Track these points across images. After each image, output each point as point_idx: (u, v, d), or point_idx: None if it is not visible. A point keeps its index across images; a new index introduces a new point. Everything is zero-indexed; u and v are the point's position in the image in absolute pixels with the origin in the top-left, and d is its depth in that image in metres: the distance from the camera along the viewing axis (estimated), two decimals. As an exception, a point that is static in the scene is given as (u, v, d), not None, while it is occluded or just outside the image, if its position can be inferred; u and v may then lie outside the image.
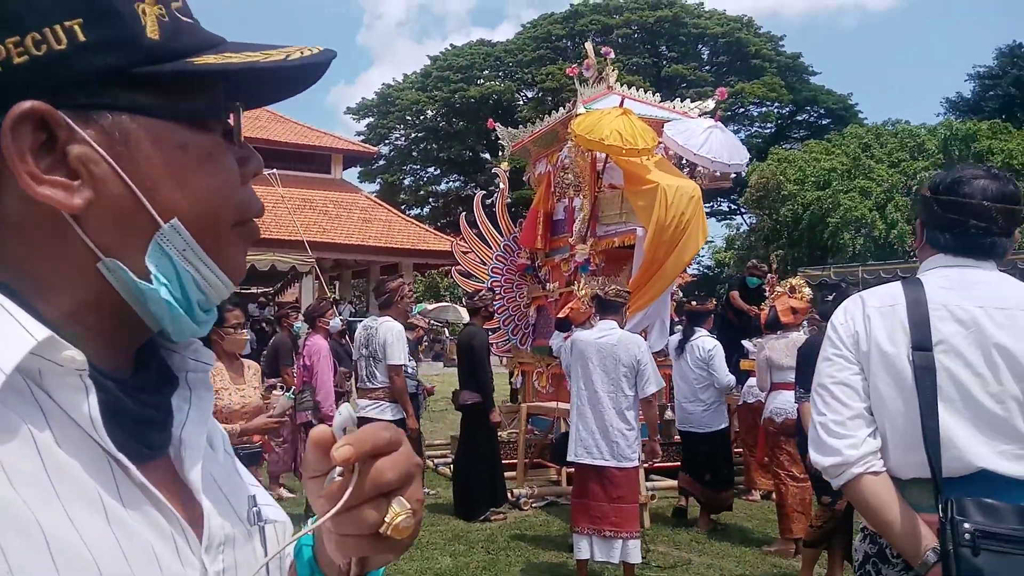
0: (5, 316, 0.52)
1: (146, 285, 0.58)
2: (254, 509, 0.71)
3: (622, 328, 4.86)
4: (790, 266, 23.67)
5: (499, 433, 7.19)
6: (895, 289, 1.82)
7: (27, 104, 0.52)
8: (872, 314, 1.79)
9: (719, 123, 8.28)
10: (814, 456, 1.82)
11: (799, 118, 40.16)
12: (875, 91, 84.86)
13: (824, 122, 38.82)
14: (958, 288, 1.74)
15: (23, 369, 0.51)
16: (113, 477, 0.55)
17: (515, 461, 7.59)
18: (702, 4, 39.16)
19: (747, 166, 9.08)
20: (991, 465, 1.63)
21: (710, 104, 9.00)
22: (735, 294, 9.23)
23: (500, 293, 9.24)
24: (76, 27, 0.53)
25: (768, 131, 39.46)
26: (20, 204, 0.54)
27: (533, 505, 7.00)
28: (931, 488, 1.66)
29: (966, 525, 1.56)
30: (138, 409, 0.59)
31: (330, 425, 0.56)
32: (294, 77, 0.65)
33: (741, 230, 35.14)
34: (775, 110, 38.71)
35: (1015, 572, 1.52)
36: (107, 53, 0.54)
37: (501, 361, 9.63)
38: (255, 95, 0.67)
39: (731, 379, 6.41)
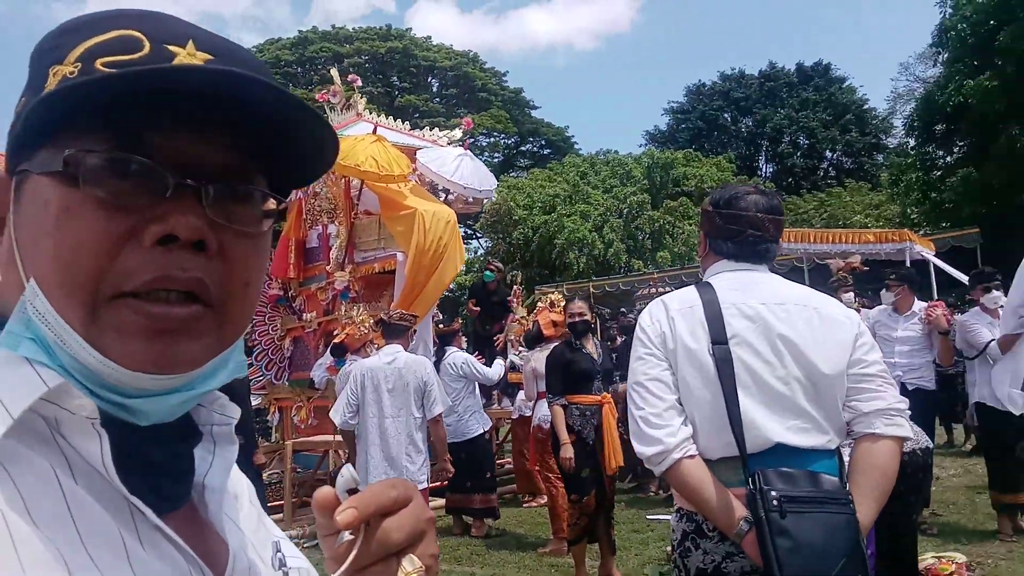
0: (25, 367, 0.54)
1: (2, 340, 0.56)
2: (278, 554, 0.71)
3: (407, 351, 4.88)
4: (524, 285, 25.04)
5: (263, 475, 6.81)
6: (691, 292, 2.05)
7: None
8: (675, 315, 2.00)
9: (468, 151, 8.63)
10: (637, 447, 1.98)
11: (524, 148, 42.84)
12: (588, 124, 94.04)
13: (546, 152, 41.80)
14: (743, 289, 2.01)
15: (44, 415, 0.54)
16: (133, 520, 0.55)
17: (281, 502, 7.22)
18: (430, 38, 40.43)
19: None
20: (784, 439, 1.90)
21: (457, 133, 9.35)
22: (472, 303, 9.87)
23: (251, 327, 8.77)
24: (22, 101, 0.59)
25: (497, 160, 41.66)
26: None
27: (305, 545, 6.70)
28: (737, 465, 1.89)
29: (772, 493, 1.80)
30: (154, 457, 0.59)
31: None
32: (198, 93, 0.55)
33: (478, 253, 36.69)
34: (502, 140, 41.00)
35: (813, 525, 1.79)
36: (21, 120, 0.56)
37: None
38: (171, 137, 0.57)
39: (497, 370, 6.83)
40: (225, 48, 0.61)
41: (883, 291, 6.38)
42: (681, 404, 1.97)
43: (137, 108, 0.55)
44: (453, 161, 8.30)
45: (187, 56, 0.58)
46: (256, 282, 0.62)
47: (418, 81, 39.52)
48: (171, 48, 0.58)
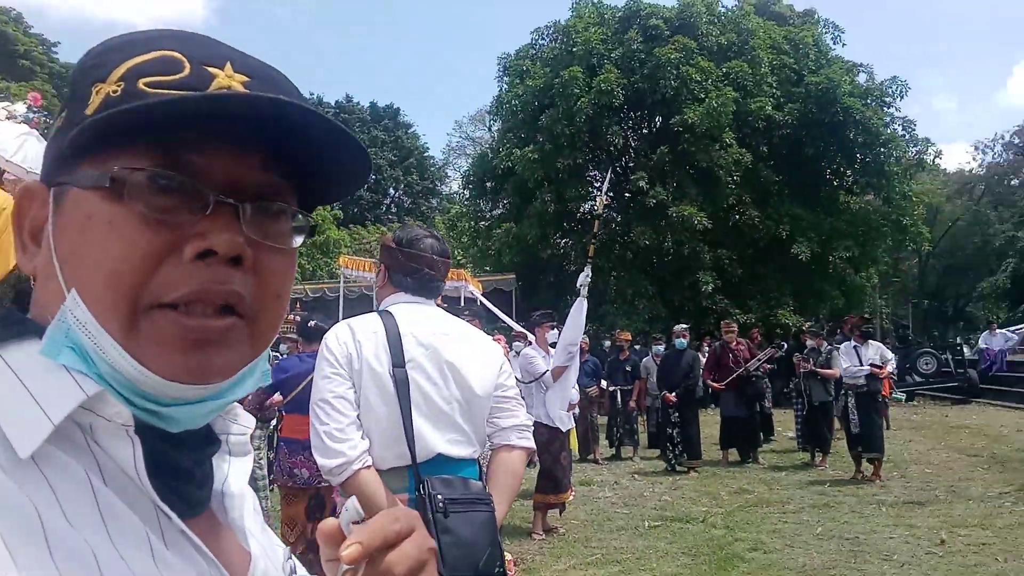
0: (64, 374, 0.56)
1: (44, 348, 0.57)
2: (289, 561, 0.74)
3: None
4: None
5: None
6: (374, 319, 2.31)
7: (27, 183, 0.62)
8: (361, 339, 2.24)
9: (35, 131, 7.49)
10: (320, 460, 2.15)
11: (71, 131, 37.73)
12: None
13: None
14: (418, 319, 2.33)
15: (79, 422, 0.56)
16: (159, 523, 0.58)
17: None
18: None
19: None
20: (444, 450, 2.24)
21: (20, 108, 8.02)
22: None
23: None
24: (62, 117, 0.62)
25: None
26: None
27: None
28: (403, 473, 2.19)
29: (439, 497, 2.12)
30: (181, 463, 0.62)
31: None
32: (239, 122, 0.58)
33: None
34: (44, 117, 35.49)
35: (467, 523, 2.15)
36: (63, 135, 0.60)
37: None
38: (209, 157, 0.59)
39: None
40: (260, 70, 0.63)
41: (457, 324, 7.32)
42: (359, 420, 2.19)
43: (179, 128, 0.57)
44: (15, 140, 7.12)
45: (225, 78, 0.60)
46: (286, 295, 0.65)
47: (-64, 28, 32.26)
48: (210, 69, 0.60)
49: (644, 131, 22.55)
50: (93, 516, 0.54)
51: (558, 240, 21.93)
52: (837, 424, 10.80)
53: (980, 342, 20.22)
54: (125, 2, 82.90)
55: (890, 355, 10.14)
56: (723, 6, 22.45)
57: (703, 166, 19.25)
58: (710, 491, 9.09)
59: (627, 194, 22.21)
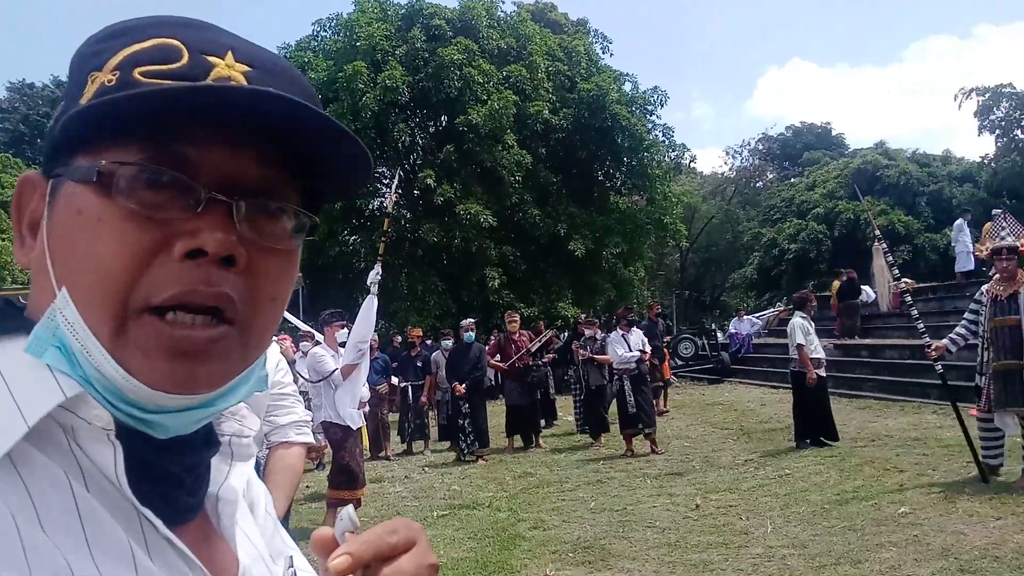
0: (46, 374, 0.54)
1: (28, 346, 0.55)
2: (290, 569, 0.72)
3: None
4: None
5: None
6: None
7: (24, 174, 0.61)
8: None
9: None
10: None
11: None
12: None
13: None
14: None
15: (62, 423, 0.54)
16: (142, 530, 0.56)
17: None
18: None
19: None
20: None
21: None
22: None
23: None
24: (60, 106, 0.60)
25: None
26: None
27: None
28: None
29: None
30: (170, 468, 0.59)
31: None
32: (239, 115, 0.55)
33: None
34: None
35: None
36: (56, 125, 0.58)
37: None
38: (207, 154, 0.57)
39: None
40: (265, 60, 0.60)
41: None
42: None
43: (172, 120, 0.54)
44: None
45: (225, 67, 0.57)
46: (283, 297, 0.61)
47: None
48: (209, 58, 0.57)
49: (431, 129, 22.83)
50: (72, 522, 0.52)
51: (347, 238, 21.64)
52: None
53: (730, 327, 22.61)
54: None
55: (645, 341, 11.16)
56: (502, 11, 23.27)
57: (487, 166, 19.90)
58: (496, 477, 9.50)
59: (415, 192, 22.39)
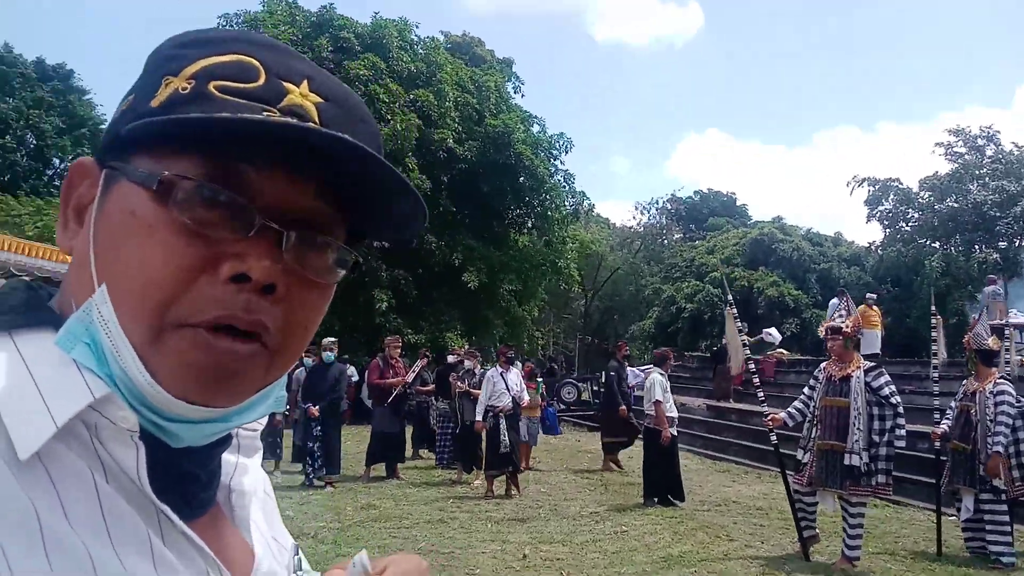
0: (74, 371, 0.55)
1: (59, 339, 0.56)
2: (296, 557, 0.75)
3: None
4: None
5: None
6: None
7: (80, 160, 0.62)
8: None
9: None
10: None
11: None
12: None
13: None
14: None
15: (86, 420, 0.55)
16: (160, 525, 0.57)
17: None
18: None
19: None
20: None
21: None
22: None
23: None
24: (130, 99, 0.60)
25: None
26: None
27: None
28: None
29: None
30: (186, 466, 0.61)
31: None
32: (317, 155, 0.56)
33: None
34: None
35: None
36: (123, 121, 0.58)
37: None
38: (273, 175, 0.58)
39: None
40: (339, 94, 0.61)
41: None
42: None
43: (240, 142, 0.55)
44: None
45: (299, 96, 0.59)
46: (314, 326, 0.62)
47: None
48: (285, 84, 0.58)
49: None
50: (95, 516, 0.54)
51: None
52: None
53: (614, 377, 22.84)
54: None
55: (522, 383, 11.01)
56: (415, 35, 23.09)
57: (386, 187, 19.45)
58: (338, 506, 9.10)
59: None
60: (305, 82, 0.59)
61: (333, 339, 10.97)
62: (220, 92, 0.57)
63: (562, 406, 20.76)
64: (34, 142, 38.16)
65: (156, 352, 0.55)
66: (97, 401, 0.54)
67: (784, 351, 19.55)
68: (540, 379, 16.08)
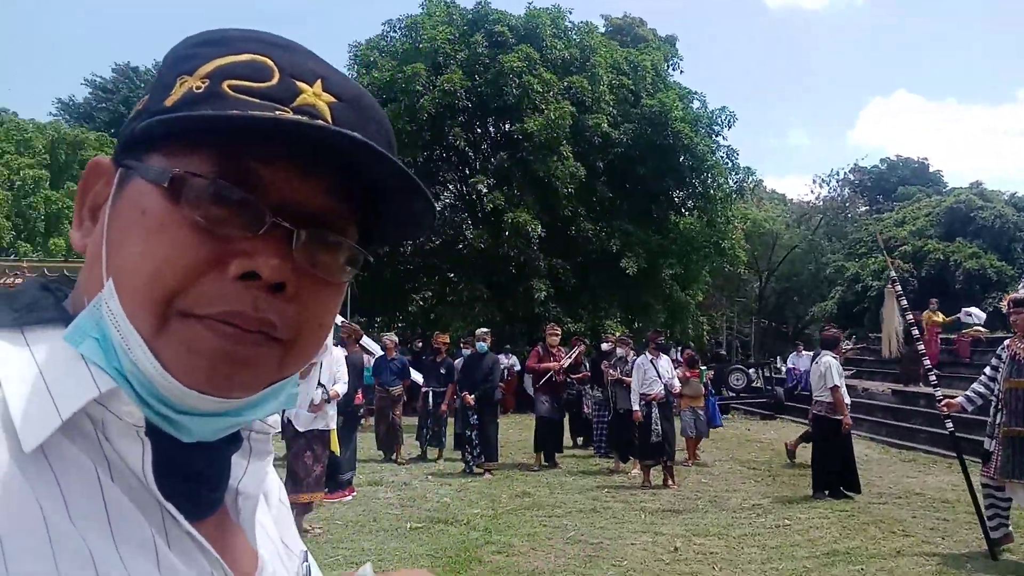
0: (81, 366, 0.55)
1: (68, 334, 0.56)
2: (305, 564, 0.74)
3: None
4: None
5: None
6: None
7: (96, 159, 0.62)
8: None
9: None
10: None
11: None
12: (-10, 71, 75.83)
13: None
14: None
15: (91, 415, 0.55)
16: (164, 524, 0.57)
17: None
18: None
19: None
20: None
21: None
22: None
23: None
24: (145, 99, 0.61)
25: None
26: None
27: None
28: None
29: None
30: (194, 464, 0.61)
31: None
32: (323, 152, 0.57)
33: None
34: None
35: None
36: (139, 120, 0.59)
37: None
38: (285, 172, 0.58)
39: None
40: (352, 94, 0.62)
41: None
42: None
43: (251, 139, 0.56)
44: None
45: (312, 95, 0.59)
46: (329, 324, 0.63)
47: None
48: (298, 83, 0.59)
49: (487, 136, 22.72)
50: (97, 512, 0.53)
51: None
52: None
53: (788, 361, 21.61)
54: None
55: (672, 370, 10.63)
56: (569, 21, 22.85)
57: (540, 176, 19.51)
58: (493, 494, 9.22)
59: (465, 196, 22.30)
60: (319, 81, 0.60)
61: (486, 329, 11.14)
62: (233, 91, 0.57)
63: (731, 393, 19.92)
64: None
65: (163, 341, 0.55)
66: (103, 395, 0.54)
67: (982, 328, 17.55)
68: (704, 367, 15.43)
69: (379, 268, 21.07)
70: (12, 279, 12.46)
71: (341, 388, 7.10)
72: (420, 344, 19.09)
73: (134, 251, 0.56)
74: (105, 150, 28.55)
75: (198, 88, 0.58)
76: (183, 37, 0.63)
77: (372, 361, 12.80)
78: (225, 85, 0.57)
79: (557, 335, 12.01)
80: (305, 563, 0.74)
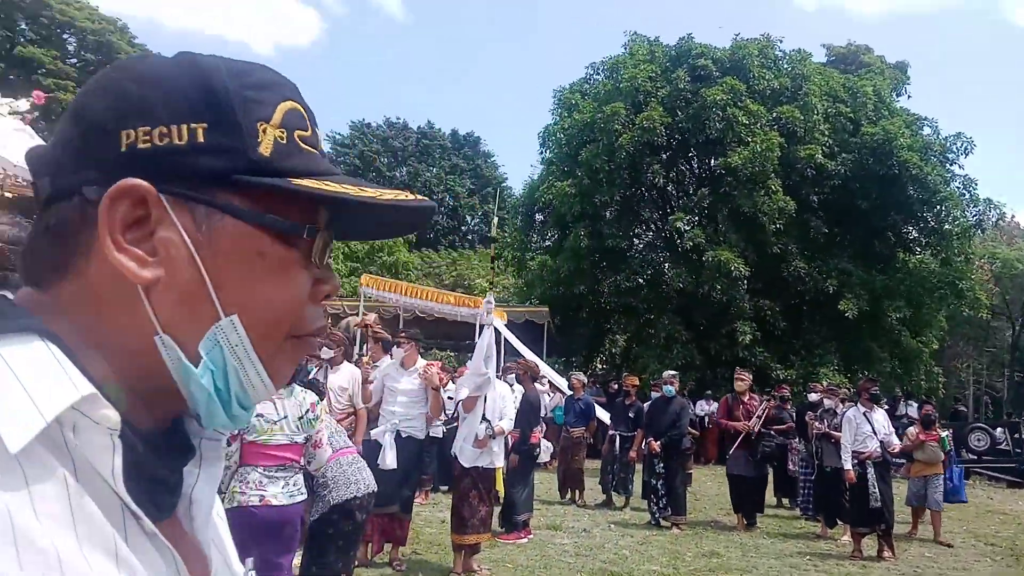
0: (57, 368, 0.56)
1: (192, 368, 0.61)
2: (250, 572, 0.84)
3: None
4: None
5: None
6: None
7: (132, 181, 0.59)
8: None
9: (30, 127, 7.85)
10: None
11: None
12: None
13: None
14: None
15: (61, 419, 0.55)
16: (124, 525, 0.58)
17: None
18: (74, -9, 35.79)
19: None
20: None
21: (23, 104, 8.45)
22: None
23: None
24: (200, 130, 0.61)
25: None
26: (104, 267, 0.59)
27: None
28: None
29: None
30: (157, 469, 0.63)
31: None
32: (389, 218, 0.71)
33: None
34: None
35: None
36: (219, 156, 0.61)
37: None
38: (348, 227, 0.71)
39: None
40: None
41: (395, 347, 7.13)
42: None
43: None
44: (5, 135, 7.49)
45: (273, 129, 0.65)
46: None
47: (49, 34, 34.65)
48: (318, 131, 0.68)
49: (686, 171, 21.97)
50: (64, 515, 0.54)
51: (598, 275, 21.42)
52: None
53: (1046, 422, 18.48)
54: (236, 21, 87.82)
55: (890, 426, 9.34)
56: (780, 50, 21.73)
57: (745, 211, 18.54)
58: (678, 550, 8.57)
59: (665, 234, 21.61)
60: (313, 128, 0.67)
61: (673, 372, 10.54)
62: (302, 143, 0.64)
63: (971, 456, 17.34)
64: (451, 203, 44.22)
65: (277, 361, 0.65)
66: (83, 399, 0.55)
67: None
68: (943, 425, 13.44)
69: (576, 308, 21.00)
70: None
71: (507, 424, 6.94)
72: (616, 386, 18.67)
73: (261, 290, 0.63)
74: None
75: (281, 139, 0.63)
76: (218, 63, 0.64)
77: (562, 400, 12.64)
78: (297, 136, 0.64)
79: (745, 381, 10.99)
80: (250, 571, 0.70)
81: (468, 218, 45.78)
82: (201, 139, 0.60)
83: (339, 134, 44.83)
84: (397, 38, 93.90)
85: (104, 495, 0.57)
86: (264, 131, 0.62)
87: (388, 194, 0.65)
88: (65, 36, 35.33)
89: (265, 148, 0.62)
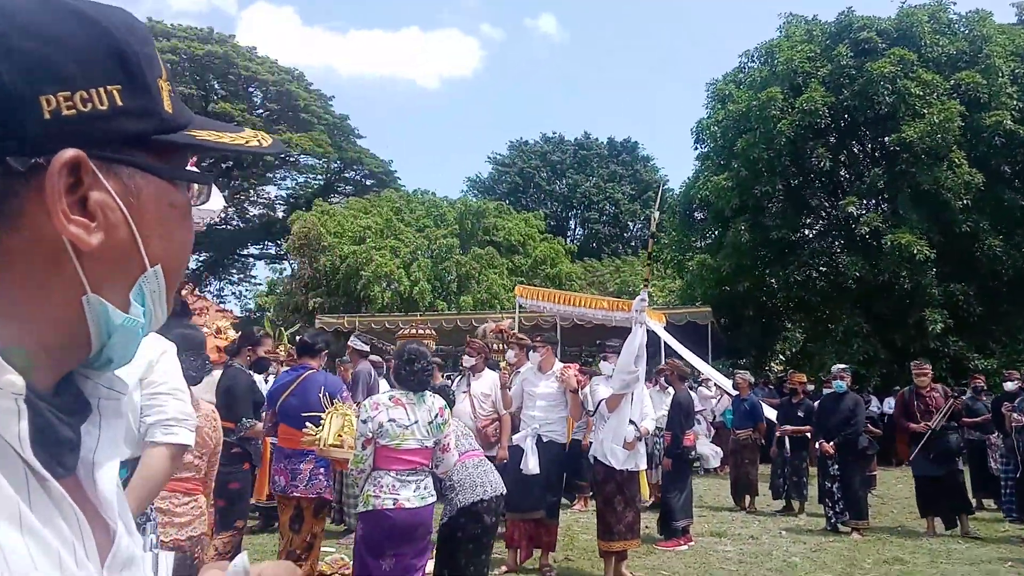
0: None
1: (126, 317, 0.64)
2: (150, 536, 0.92)
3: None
4: (328, 312, 24.85)
5: None
6: None
7: (72, 152, 0.58)
8: None
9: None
10: None
11: (346, 175, 42.54)
12: (413, 160, 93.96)
13: (368, 182, 41.61)
14: None
15: None
16: (28, 490, 0.57)
17: None
18: (255, 48, 39.18)
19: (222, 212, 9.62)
20: None
21: (219, 202, 9.29)
22: None
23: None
24: (116, 93, 0.61)
25: (318, 182, 41.11)
26: (28, 235, 0.58)
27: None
28: None
29: None
30: (60, 430, 0.62)
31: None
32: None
33: (283, 275, 35.74)
34: (324, 164, 40.50)
35: None
36: (139, 119, 0.62)
37: None
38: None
39: None
40: None
41: (531, 351, 7.11)
42: None
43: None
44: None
45: (164, 83, 0.67)
46: None
47: (236, 90, 38.31)
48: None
49: (856, 152, 20.37)
50: None
51: (764, 270, 20.37)
52: None
53: None
54: (404, 62, 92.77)
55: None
56: (954, 13, 19.71)
57: (925, 188, 16.92)
58: (855, 558, 7.93)
59: (837, 221, 20.11)
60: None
61: (844, 366, 9.77)
62: (173, 92, 0.67)
63: None
64: (611, 211, 43.87)
65: (170, 298, 0.69)
66: None
67: None
68: None
69: (742, 306, 20.07)
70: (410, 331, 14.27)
71: (649, 424, 6.74)
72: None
73: (177, 239, 0.66)
74: (503, 217, 31.92)
75: (170, 92, 0.65)
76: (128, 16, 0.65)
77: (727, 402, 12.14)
78: (171, 86, 0.66)
79: (926, 374, 9.86)
80: (153, 533, 0.69)
81: (630, 224, 45.15)
82: (120, 102, 0.61)
83: (499, 155, 45.90)
84: (554, 55, 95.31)
85: (8, 459, 0.56)
86: (161, 87, 0.64)
87: (253, 141, 0.71)
88: (251, 89, 38.94)
89: (168, 105, 0.65)
